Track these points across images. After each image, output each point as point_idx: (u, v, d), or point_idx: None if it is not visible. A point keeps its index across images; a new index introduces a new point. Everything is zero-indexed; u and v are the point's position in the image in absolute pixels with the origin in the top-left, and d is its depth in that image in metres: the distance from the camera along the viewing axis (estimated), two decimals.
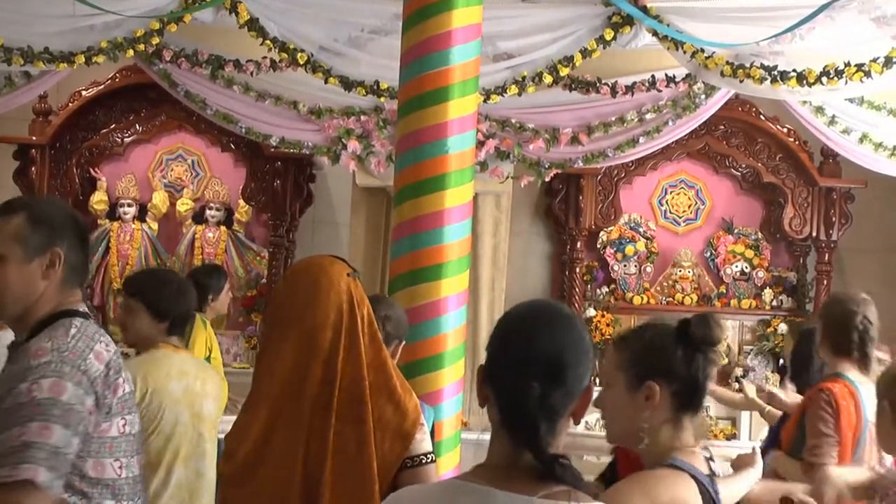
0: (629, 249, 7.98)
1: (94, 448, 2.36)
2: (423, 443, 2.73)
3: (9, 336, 2.92)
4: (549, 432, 1.87)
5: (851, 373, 3.75)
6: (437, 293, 4.34)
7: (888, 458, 3.56)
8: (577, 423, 1.95)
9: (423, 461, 2.70)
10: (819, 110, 6.87)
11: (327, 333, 2.65)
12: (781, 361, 7.46)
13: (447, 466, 4.07)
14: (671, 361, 2.44)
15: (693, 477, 2.35)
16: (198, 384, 3.77)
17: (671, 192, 8.23)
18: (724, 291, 7.87)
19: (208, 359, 5.95)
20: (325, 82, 6.69)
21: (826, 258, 7.95)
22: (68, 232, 2.53)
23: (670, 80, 7.01)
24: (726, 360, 7.36)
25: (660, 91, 7.10)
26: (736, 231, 8.09)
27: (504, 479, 1.86)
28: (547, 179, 7.63)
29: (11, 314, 2.51)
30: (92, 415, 2.33)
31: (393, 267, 4.48)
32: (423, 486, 2.25)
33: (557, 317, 1.96)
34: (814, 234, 7.91)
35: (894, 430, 3.24)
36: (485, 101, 6.19)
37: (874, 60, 6.05)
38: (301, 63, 6.57)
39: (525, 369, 1.88)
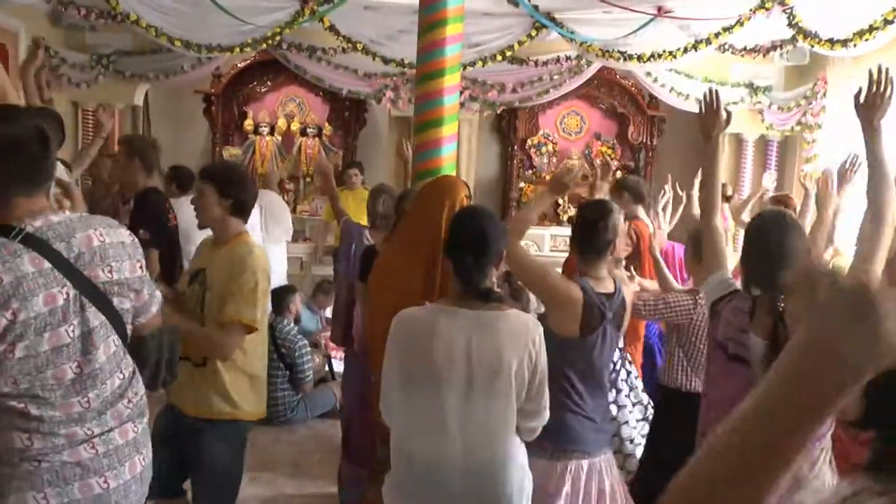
0: (543, 150, 7.96)
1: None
2: None
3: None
4: (480, 278, 1.83)
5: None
6: None
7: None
8: (496, 269, 1.91)
9: None
10: (649, 74, 6.93)
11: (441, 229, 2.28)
12: None
13: None
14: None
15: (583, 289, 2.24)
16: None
17: (567, 118, 8.04)
18: (595, 173, 7.27)
19: None
20: (373, 59, 6.43)
21: (650, 155, 7.99)
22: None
23: (567, 57, 6.86)
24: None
25: (562, 63, 6.95)
26: (602, 139, 8.03)
27: (463, 301, 1.83)
28: (498, 112, 7.67)
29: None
30: None
31: (413, 167, 4.32)
32: (416, 307, 1.92)
33: (482, 216, 1.89)
34: (644, 141, 7.95)
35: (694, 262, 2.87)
36: (463, 69, 5.22)
37: (679, 49, 6.03)
38: (359, 49, 6.33)
39: (463, 247, 1.83)
